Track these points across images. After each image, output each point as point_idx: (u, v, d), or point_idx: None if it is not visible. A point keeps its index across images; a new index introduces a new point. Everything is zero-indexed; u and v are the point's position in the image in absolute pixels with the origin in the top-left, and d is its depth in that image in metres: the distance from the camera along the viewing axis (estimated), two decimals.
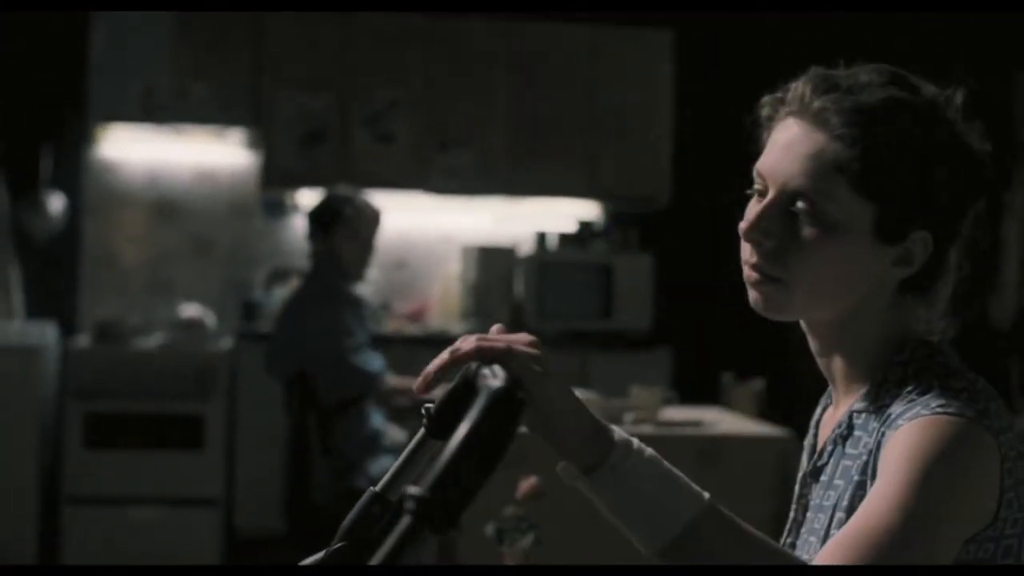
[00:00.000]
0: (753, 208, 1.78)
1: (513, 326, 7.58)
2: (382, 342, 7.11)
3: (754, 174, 1.80)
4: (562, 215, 8.11)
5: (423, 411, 1.55)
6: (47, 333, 7.20)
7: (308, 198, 7.50)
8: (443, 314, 7.98)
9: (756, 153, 1.83)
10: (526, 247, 7.92)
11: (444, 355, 1.57)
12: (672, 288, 7.94)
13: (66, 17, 7.47)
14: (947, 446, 1.62)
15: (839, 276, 1.76)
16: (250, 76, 7.56)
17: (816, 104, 1.74)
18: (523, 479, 3.24)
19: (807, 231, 1.73)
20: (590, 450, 1.61)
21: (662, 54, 7.90)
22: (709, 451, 4.62)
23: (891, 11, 7.59)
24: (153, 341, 7.18)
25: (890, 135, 1.72)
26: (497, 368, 1.50)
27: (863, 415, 1.79)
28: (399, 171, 7.68)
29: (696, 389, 6.46)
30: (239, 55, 7.55)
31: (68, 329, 7.55)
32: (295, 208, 7.85)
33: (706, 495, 1.64)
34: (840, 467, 1.79)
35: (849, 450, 1.79)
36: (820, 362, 1.88)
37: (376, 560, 1.26)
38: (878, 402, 1.76)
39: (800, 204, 1.74)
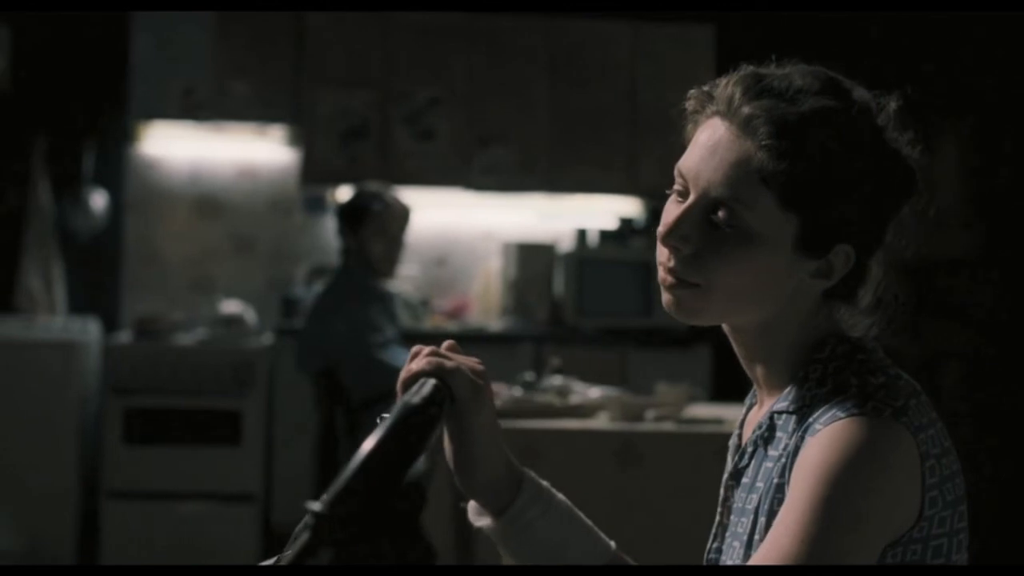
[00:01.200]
0: (672, 210, 1.74)
1: (553, 323, 7.61)
2: (420, 339, 7.11)
3: (675, 172, 1.76)
4: (603, 212, 8.08)
5: (378, 421, 1.53)
6: (89, 329, 7.26)
7: (348, 195, 7.52)
8: (483, 311, 7.97)
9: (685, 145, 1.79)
10: (567, 244, 7.90)
11: (403, 372, 1.58)
12: None
13: (108, 16, 7.52)
14: (859, 451, 1.59)
15: (756, 286, 1.72)
16: (290, 74, 7.59)
17: (745, 110, 1.69)
18: None
19: (726, 240, 1.69)
20: (498, 492, 1.61)
21: (703, 50, 7.86)
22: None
23: (932, 10, 7.51)
24: (194, 337, 7.22)
25: (818, 150, 1.67)
26: (428, 385, 1.50)
27: (783, 416, 1.75)
28: (439, 168, 7.69)
29: (736, 387, 6.41)
30: (279, 53, 7.58)
31: (110, 325, 7.61)
32: (335, 205, 7.87)
33: (612, 545, 1.63)
34: (762, 469, 1.75)
35: (771, 452, 1.75)
36: (743, 363, 1.84)
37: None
38: (799, 402, 1.73)
39: (721, 213, 1.69)
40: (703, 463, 4.49)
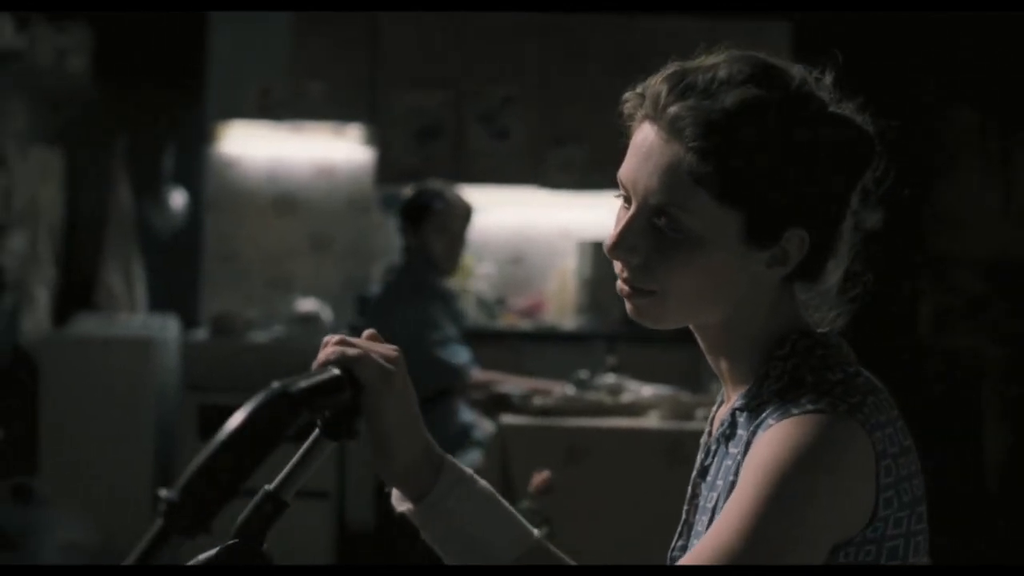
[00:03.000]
0: (620, 217, 1.73)
1: (626, 322, 7.58)
2: (494, 337, 7.15)
3: (618, 180, 1.74)
4: None
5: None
6: (168, 326, 7.35)
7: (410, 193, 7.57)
8: (558, 310, 7.96)
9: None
10: None
11: (316, 359, 1.57)
12: None
13: (187, 16, 7.61)
14: (810, 448, 1.56)
15: (711, 285, 1.69)
16: (366, 73, 7.64)
17: (671, 110, 1.66)
18: (536, 473, 3.25)
19: (672, 245, 1.67)
20: (416, 478, 1.59)
21: (780, 47, 7.78)
22: None
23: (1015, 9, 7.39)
24: (269, 335, 7.29)
25: (748, 141, 1.64)
26: (326, 373, 1.50)
27: (744, 413, 1.72)
28: (514, 166, 7.70)
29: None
30: (355, 53, 7.63)
31: (189, 323, 7.71)
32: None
33: (535, 533, 1.62)
34: (722, 467, 1.73)
35: (731, 449, 1.72)
36: (709, 359, 1.81)
37: (128, 561, 1.26)
38: (758, 399, 1.70)
39: (662, 219, 1.67)
40: None
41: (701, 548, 1.55)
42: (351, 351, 1.56)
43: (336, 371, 1.51)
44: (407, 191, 5.99)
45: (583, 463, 4.58)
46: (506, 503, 1.63)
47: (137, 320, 7.36)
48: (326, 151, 7.98)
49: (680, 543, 1.82)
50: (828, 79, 1.74)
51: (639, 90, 1.73)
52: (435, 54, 7.67)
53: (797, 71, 1.72)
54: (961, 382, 7.90)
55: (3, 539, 6.50)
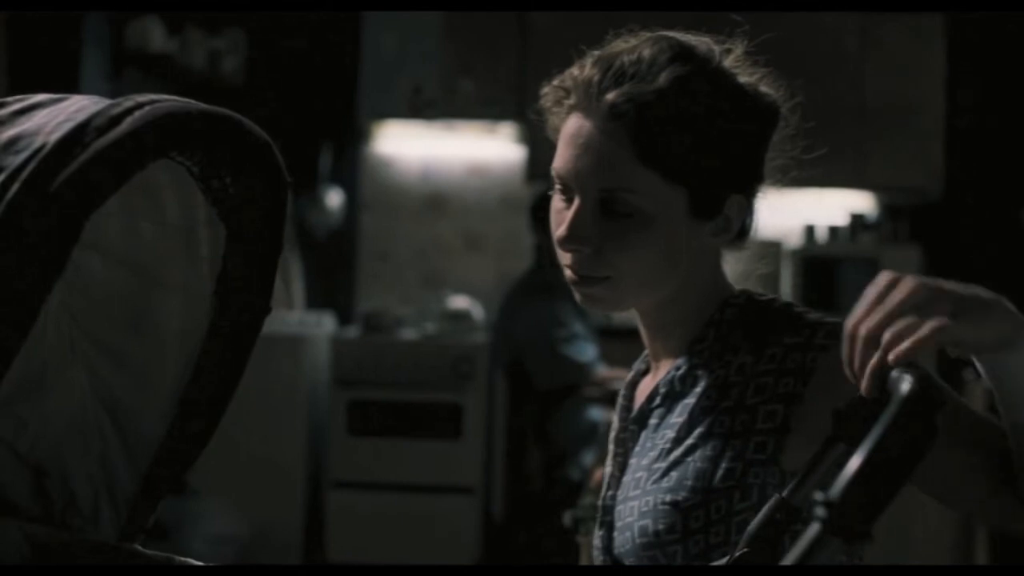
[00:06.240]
0: (560, 213, 1.76)
1: None
2: (622, 334, 7.09)
3: (552, 174, 1.77)
4: (833, 207, 7.92)
5: (833, 413, 1.44)
6: (324, 323, 7.49)
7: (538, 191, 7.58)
8: None
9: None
10: (796, 240, 7.78)
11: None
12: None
13: (339, 17, 7.72)
14: None
15: (663, 262, 1.74)
16: (516, 72, 7.67)
17: (608, 97, 1.71)
18: (599, 469, 3.23)
19: (624, 228, 1.71)
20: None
21: (933, 40, 7.62)
22: None
23: None
24: (420, 332, 7.37)
25: (685, 119, 1.69)
26: (909, 370, 1.34)
27: (694, 369, 1.77)
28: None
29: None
30: (505, 52, 7.66)
31: (344, 320, 7.83)
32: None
33: None
34: (679, 406, 1.75)
35: (688, 400, 1.75)
36: (646, 339, 1.85)
37: (785, 562, 1.19)
38: (719, 344, 1.76)
39: (611, 204, 1.71)
40: None
41: None
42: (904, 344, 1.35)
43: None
44: (536, 189, 6.02)
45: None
46: None
47: (294, 318, 7.50)
48: (478, 150, 8.03)
49: (609, 493, 1.86)
50: (739, 49, 1.80)
51: (558, 83, 1.75)
52: (583, 53, 7.65)
53: (708, 45, 1.78)
54: None
55: (156, 529, 6.69)
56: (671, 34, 1.79)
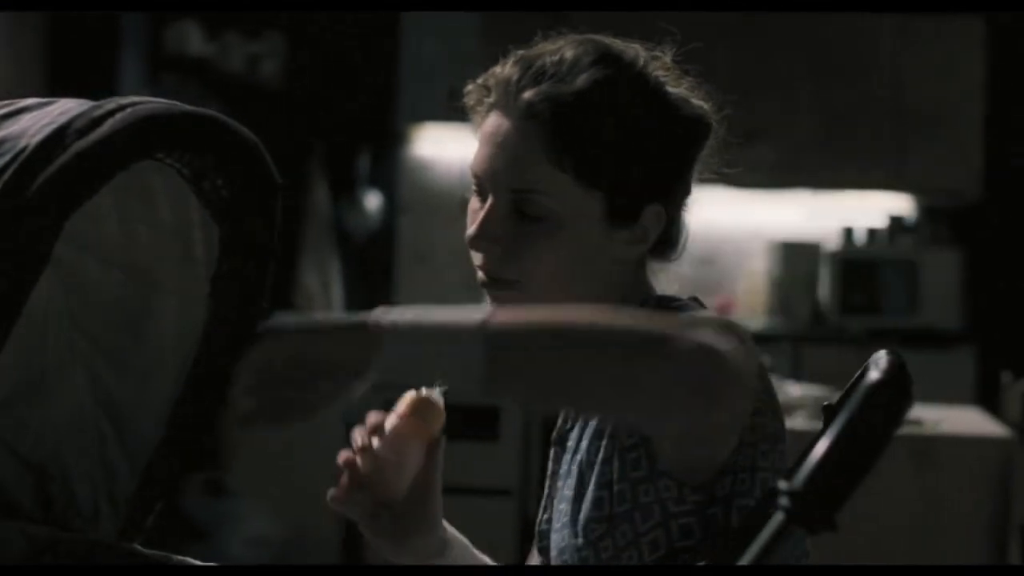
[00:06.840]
0: (474, 211, 1.73)
1: (814, 322, 7.48)
2: None
3: (470, 173, 1.74)
4: (871, 209, 7.90)
5: (823, 408, 1.45)
6: None
7: None
8: (748, 310, 7.89)
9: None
10: (834, 242, 7.76)
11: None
12: (982, 285, 7.63)
13: (378, 18, 7.74)
14: None
15: (574, 269, 1.70)
16: None
17: (525, 96, 1.68)
18: None
19: (535, 231, 1.67)
20: None
21: (972, 43, 7.59)
22: (922, 451, 4.45)
23: None
24: None
25: (603, 122, 1.66)
26: (882, 357, 1.39)
27: None
28: (702, 165, 7.62)
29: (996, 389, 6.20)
30: None
31: None
32: None
33: None
34: (589, 427, 1.71)
35: (593, 420, 1.72)
36: None
37: (746, 559, 1.20)
38: None
39: (523, 205, 1.67)
40: (897, 468, 4.38)
41: None
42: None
43: None
44: None
45: None
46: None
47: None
48: None
49: (545, 516, 1.85)
50: (667, 57, 1.76)
51: (480, 81, 1.74)
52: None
53: (635, 51, 1.74)
54: None
55: (193, 530, 6.72)
56: (598, 37, 1.76)
